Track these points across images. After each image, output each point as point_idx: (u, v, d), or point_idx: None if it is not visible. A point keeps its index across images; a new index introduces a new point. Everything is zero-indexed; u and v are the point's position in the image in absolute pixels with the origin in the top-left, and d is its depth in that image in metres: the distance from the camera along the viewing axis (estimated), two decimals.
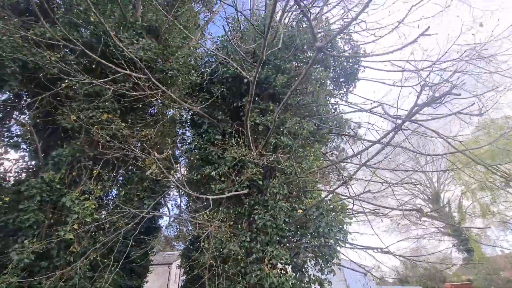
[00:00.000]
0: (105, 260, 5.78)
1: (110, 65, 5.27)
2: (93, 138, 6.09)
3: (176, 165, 10.81)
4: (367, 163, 4.93)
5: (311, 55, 8.67)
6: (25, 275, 4.88)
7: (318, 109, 7.86)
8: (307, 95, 7.90)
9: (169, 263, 22.24)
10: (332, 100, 9.42)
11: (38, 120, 6.58)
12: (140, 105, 6.66)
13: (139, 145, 7.70)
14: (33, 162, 6.84)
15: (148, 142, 6.59)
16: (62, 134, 6.66)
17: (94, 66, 6.91)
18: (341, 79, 9.93)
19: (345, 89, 10.00)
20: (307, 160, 6.69)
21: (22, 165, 6.72)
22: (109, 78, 5.51)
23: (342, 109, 9.39)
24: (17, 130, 6.74)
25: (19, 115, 7.11)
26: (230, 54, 8.21)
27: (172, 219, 12.40)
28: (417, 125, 5.70)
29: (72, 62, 6.08)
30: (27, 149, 6.66)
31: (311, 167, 6.30)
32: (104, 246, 5.62)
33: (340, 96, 9.94)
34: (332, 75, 9.44)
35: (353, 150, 10.16)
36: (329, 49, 9.07)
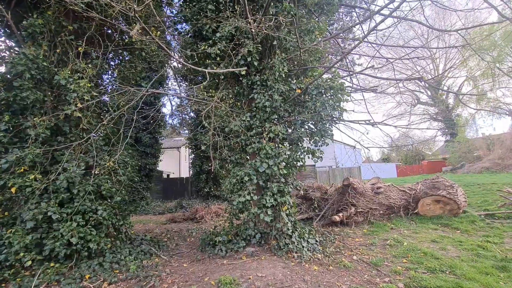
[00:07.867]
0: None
1: None
2: (68, 8, 5.31)
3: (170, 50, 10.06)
4: (372, 32, 4.46)
5: None
6: (47, 146, 5.36)
7: None
8: None
9: (177, 146, 24.96)
10: None
11: None
12: None
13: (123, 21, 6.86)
14: (13, 43, 6.30)
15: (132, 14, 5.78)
16: (30, 4, 5.75)
17: None
18: None
19: None
20: (310, 34, 6.08)
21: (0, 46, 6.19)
22: None
23: None
24: None
25: None
26: None
27: (174, 108, 12.70)
28: None
29: None
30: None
31: (314, 41, 5.79)
32: (111, 123, 5.91)
33: None
34: None
35: (362, 28, 9.17)
36: None
